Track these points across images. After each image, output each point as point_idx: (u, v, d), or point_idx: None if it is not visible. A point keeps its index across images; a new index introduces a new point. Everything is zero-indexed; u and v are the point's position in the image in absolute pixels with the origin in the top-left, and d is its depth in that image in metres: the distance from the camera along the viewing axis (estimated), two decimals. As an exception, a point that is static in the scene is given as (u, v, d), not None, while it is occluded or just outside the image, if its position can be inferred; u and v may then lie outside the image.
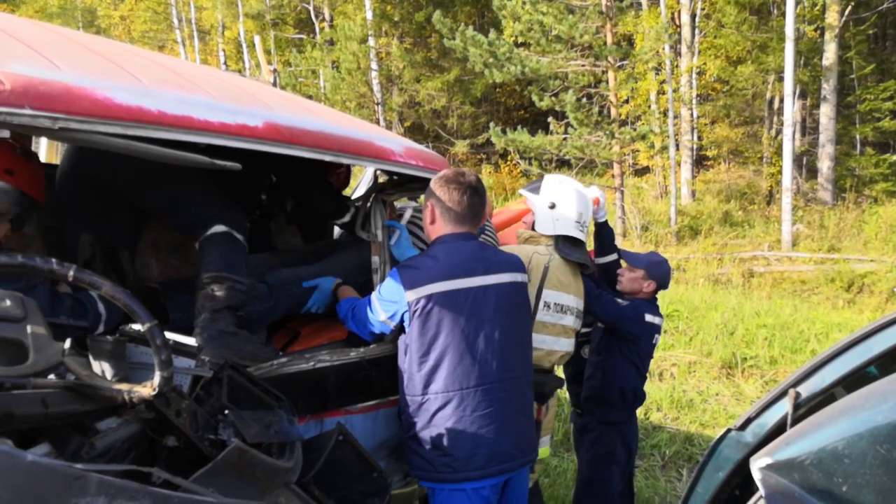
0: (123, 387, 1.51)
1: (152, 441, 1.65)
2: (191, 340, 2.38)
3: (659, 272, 3.98)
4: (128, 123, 1.80)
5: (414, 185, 3.04)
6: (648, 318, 3.94)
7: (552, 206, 3.49)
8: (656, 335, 4.02)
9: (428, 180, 2.85)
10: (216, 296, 2.53)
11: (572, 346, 3.53)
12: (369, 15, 23.35)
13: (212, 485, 1.51)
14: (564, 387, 4.02)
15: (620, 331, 3.89)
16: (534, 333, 3.31)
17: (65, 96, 1.68)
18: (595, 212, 3.86)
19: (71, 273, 1.42)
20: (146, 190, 2.68)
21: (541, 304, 3.33)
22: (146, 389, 1.50)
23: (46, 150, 3.73)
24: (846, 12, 18.80)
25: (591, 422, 4.07)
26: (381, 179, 3.48)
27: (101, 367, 1.63)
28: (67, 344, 1.52)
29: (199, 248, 2.64)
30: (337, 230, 4.15)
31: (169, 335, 1.69)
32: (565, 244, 3.45)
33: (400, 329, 2.71)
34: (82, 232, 2.71)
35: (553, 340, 3.39)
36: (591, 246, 3.97)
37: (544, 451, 3.60)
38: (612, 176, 18.42)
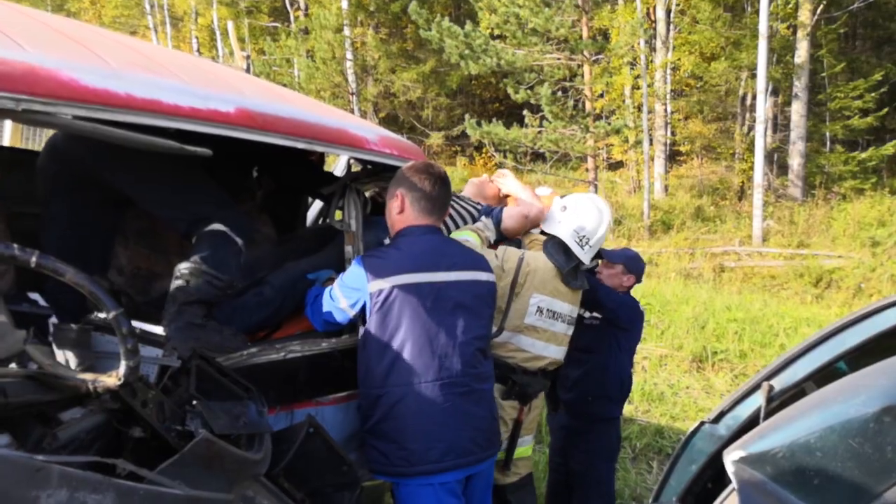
0: (88, 376, 1.47)
1: (118, 432, 1.61)
2: (158, 329, 2.34)
3: (636, 266, 4.06)
4: (94, 106, 1.74)
5: (388, 175, 3.00)
6: (640, 307, 4.07)
7: (563, 209, 3.48)
8: (643, 326, 4.14)
9: None
10: (189, 288, 2.49)
11: (562, 354, 3.50)
12: (345, 4, 23.21)
13: (178, 477, 1.48)
14: None
15: (621, 319, 3.92)
16: (522, 336, 3.31)
17: (28, 77, 1.62)
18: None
19: (33, 259, 1.38)
20: (142, 183, 2.61)
21: (532, 308, 3.30)
22: (111, 379, 1.46)
23: (11, 134, 3.64)
24: (818, 11, 19.01)
25: (583, 423, 4.03)
26: (355, 168, 3.44)
27: (65, 356, 1.58)
28: (31, 332, 1.48)
29: (194, 241, 2.60)
30: (309, 218, 4.11)
31: (136, 324, 1.65)
32: (554, 247, 3.40)
33: (360, 320, 2.68)
34: (60, 223, 2.67)
35: (543, 346, 3.37)
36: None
37: (526, 449, 3.58)
38: (586, 170, 18.54)
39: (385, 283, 2.59)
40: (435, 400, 2.61)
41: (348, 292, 2.64)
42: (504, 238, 3.52)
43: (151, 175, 2.57)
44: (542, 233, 3.56)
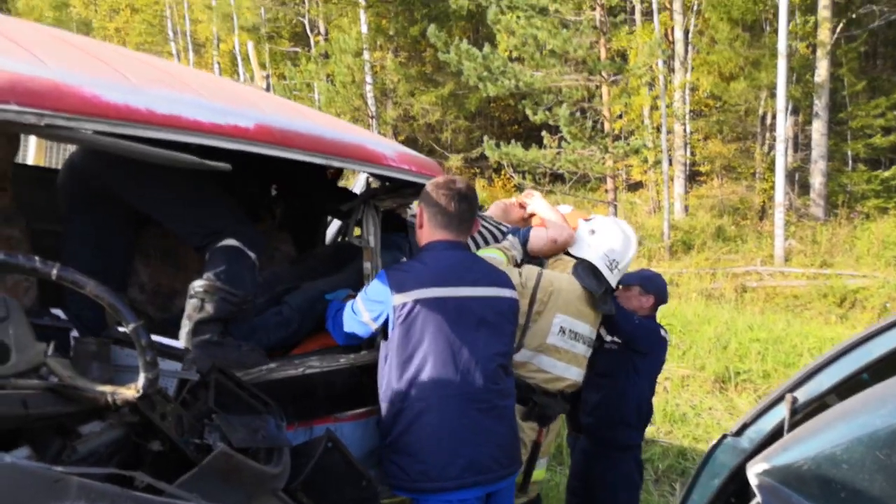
0: (107, 388, 1.47)
1: (136, 445, 1.61)
2: (178, 343, 2.35)
3: (654, 285, 3.99)
4: (116, 121, 1.77)
5: (407, 192, 3.01)
6: (661, 332, 3.99)
7: (592, 232, 3.56)
8: (665, 352, 4.04)
9: (421, 186, 2.82)
10: (204, 307, 2.50)
11: (581, 377, 3.48)
12: (364, 28, 23.44)
13: (197, 490, 1.48)
14: None
15: (637, 343, 3.86)
16: (544, 356, 3.31)
17: (52, 93, 1.65)
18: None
19: (54, 272, 1.39)
20: (156, 197, 2.63)
21: (555, 328, 3.31)
22: (130, 391, 1.46)
23: (35, 151, 3.69)
24: (838, 29, 18.93)
25: (602, 449, 3.98)
26: (374, 185, 3.45)
27: (85, 369, 1.58)
28: (51, 345, 1.48)
29: (207, 257, 2.61)
30: (329, 235, 4.12)
31: (155, 338, 1.65)
32: (584, 271, 3.43)
33: (382, 334, 2.67)
34: (79, 239, 2.70)
35: (564, 367, 3.37)
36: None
37: (540, 472, 3.54)
38: (606, 190, 18.49)
39: (408, 297, 2.58)
40: (456, 415, 2.59)
41: (371, 305, 2.64)
42: (529, 258, 3.52)
43: (166, 189, 2.59)
44: (568, 254, 3.57)
